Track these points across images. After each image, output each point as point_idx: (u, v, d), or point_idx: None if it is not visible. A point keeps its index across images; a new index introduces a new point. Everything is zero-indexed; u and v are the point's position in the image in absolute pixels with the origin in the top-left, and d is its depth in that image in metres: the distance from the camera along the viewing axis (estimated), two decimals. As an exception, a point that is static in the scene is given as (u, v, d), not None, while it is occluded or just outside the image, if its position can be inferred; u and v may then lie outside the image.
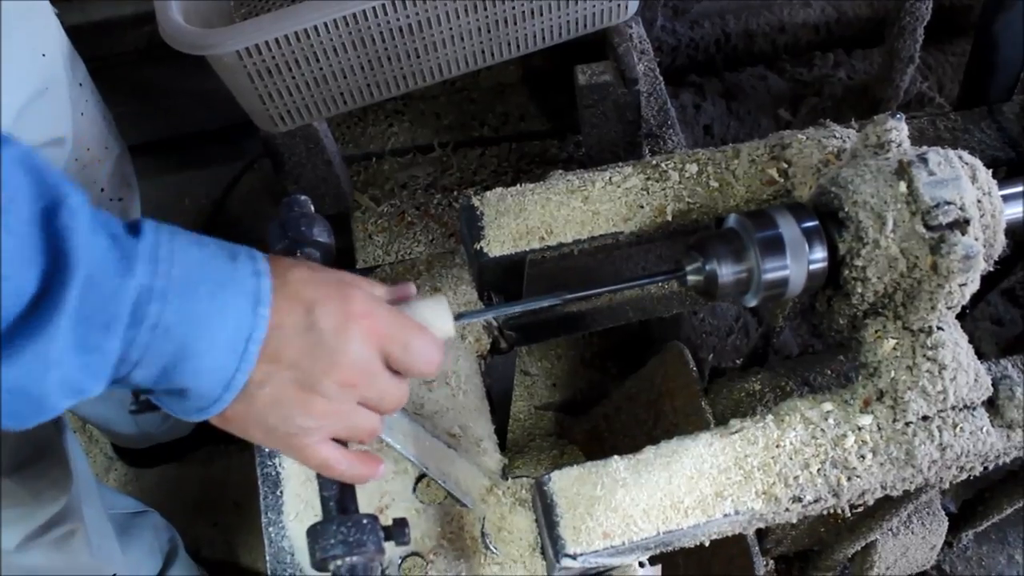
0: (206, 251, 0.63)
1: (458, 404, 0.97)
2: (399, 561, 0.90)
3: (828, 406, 0.85)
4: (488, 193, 0.99)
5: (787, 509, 0.83)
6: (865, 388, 0.85)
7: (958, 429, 0.83)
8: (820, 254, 0.82)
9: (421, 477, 0.94)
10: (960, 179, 0.79)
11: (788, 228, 0.82)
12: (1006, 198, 0.85)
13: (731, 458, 0.83)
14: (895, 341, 0.84)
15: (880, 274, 0.81)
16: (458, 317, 0.83)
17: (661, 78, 1.59)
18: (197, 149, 1.77)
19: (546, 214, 0.96)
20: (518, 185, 0.99)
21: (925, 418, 0.83)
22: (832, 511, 0.87)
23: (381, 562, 0.77)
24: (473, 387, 0.98)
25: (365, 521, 0.75)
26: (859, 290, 0.82)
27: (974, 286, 0.79)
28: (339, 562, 0.74)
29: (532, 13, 1.23)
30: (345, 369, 0.67)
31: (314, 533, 0.74)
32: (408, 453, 0.93)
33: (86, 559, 1.23)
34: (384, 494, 0.93)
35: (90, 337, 0.56)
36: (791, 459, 0.83)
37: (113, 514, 1.39)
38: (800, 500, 0.83)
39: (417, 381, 0.98)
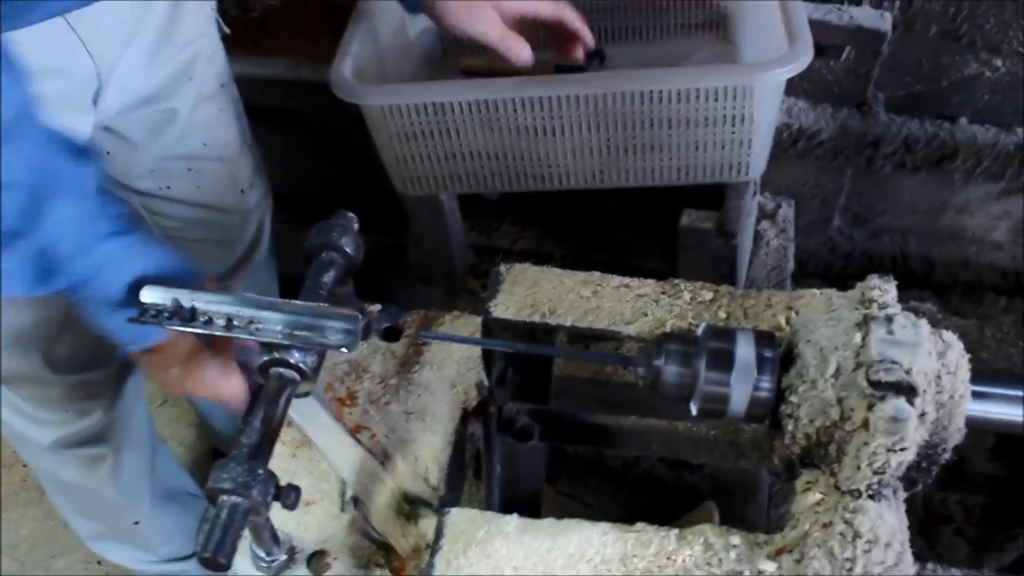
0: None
1: (424, 440, 1.02)
2: (309, 553, 0.95)
3: (736, 540, 0.83)
4: (517, 265, 1.07)
5: (658, 626, 0.81)
6: (783, 538, 0.83)
7: (863, 612, 0.78)
8: (768, 384, 0.82)
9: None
10: (919, 347, 0.77)
11: (744, 349, 0.82)
12: (984, 395, 0.82)
13: (618, 553, 0.83)
14: (821, 496, 0.81)
15: (812, 416, 0.79)
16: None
17: (792, 262, 1.61)
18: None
19: (555, 295, 1.02)
20: (547, 266, 1.06)
21: (830, 586, 0.79)
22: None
23: (263, 515, 0.84)
24: (444, 431, 1.03)
25: (261, 472, 0.82)
26: (790, 428, 0.81)
27: (903, 456, 0.76)
28: (224, 498, 0.81)
29: (650, 148, 1.32)
30: None
31: (216, 465, 0.82)
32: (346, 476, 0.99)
33: (108, 491, 1.37)
34: (319, 491, 0.99)
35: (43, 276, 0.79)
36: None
37: (166, 483, 1.53)
38: (673, 621, 0.80)
39: (401, 410, 1.04)
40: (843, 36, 1.53)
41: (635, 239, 1.59)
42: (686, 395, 0.84)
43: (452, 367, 1.08)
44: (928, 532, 1.69)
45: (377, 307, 1.14)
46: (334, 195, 1.32)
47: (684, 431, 1.12)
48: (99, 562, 1.82)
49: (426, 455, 1.00)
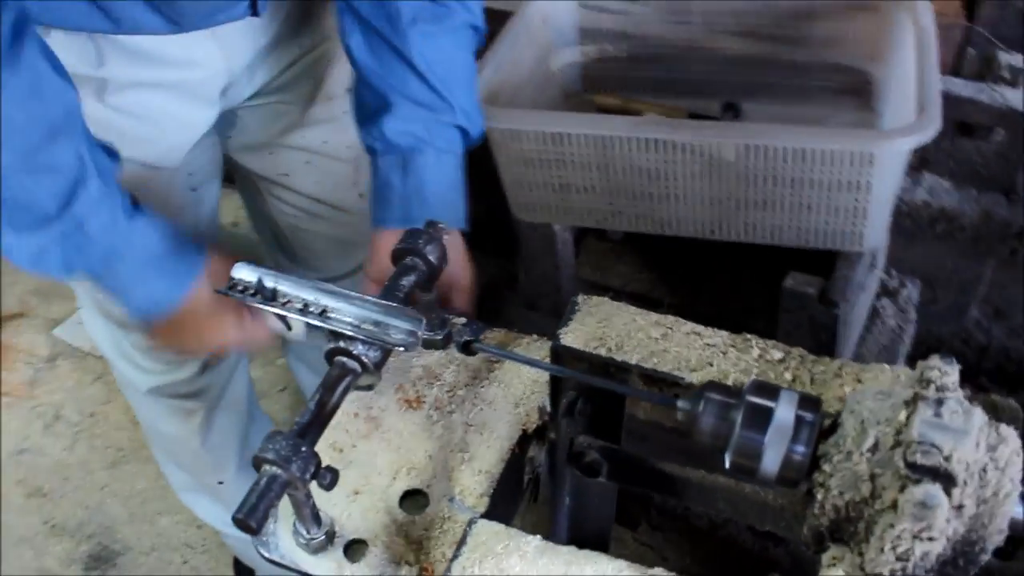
0: (170, 244, 0.99)
1: (478, 452, 1.04)
2: (348, 540, 0.99)
3: (751, 602, 0.81)
4: (594, 297, 1.08)
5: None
6: (801, 610, 0.81)
7: None
8: (803, 447, 0.80)
9: (412, 493, 1.03)
10: (966, 437, 0.74)
11: (784, 408, 0.81)
12: (1038, 499, 0.77)
13: (631, 592, 0.83)
14: (844, 574, 0.79)
15: (843, 488, 0.77)
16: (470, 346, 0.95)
17: (909, 345, 1.55)
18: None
19: (624, 332, 1.02)
20: (622, 302, 1.07)
21: (839, 667, 0.76)
22: None
23: (302, 491, 0.88)
24: (499, 447, 1.05)
25: (304, 449, 0.86)
26: (819, 497, 0.79)
27: (930, 546, 0.73)
28: (266, 467, 0.86)
29: (763, 205, 1.30)
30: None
31: (266, 437, 0.87)
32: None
33: (196, 445, 1.47)
34: (370, 484, 1.02)
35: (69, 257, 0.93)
36: (684, 625, 0.81)
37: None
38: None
39: (462, 420, 1.07)
40: (993, 117, 1.47)
41: (746, 297, 1.56)
42: (721, 446, 0.84)
43: (519, 387, 1.10)
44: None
45: (462, 320, 1.19)
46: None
47: (751, 494, 1.10)
48: (199, 526, 1.93)
49: (477, 467, 1.03)
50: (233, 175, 1.45)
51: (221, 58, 1.15)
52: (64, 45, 1.03)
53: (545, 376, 1.10)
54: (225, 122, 1.28)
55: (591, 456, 1.15)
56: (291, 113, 1.30)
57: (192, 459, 1.54)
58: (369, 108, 1.15)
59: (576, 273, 1.66)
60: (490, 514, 1.01)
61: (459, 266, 1.17)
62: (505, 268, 1.87)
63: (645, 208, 1.39)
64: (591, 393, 1.12)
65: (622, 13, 1.66)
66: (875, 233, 1.30)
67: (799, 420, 0.81)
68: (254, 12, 1.10)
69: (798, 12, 1.52)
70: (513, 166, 1.41)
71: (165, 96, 1.11)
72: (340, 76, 1.30)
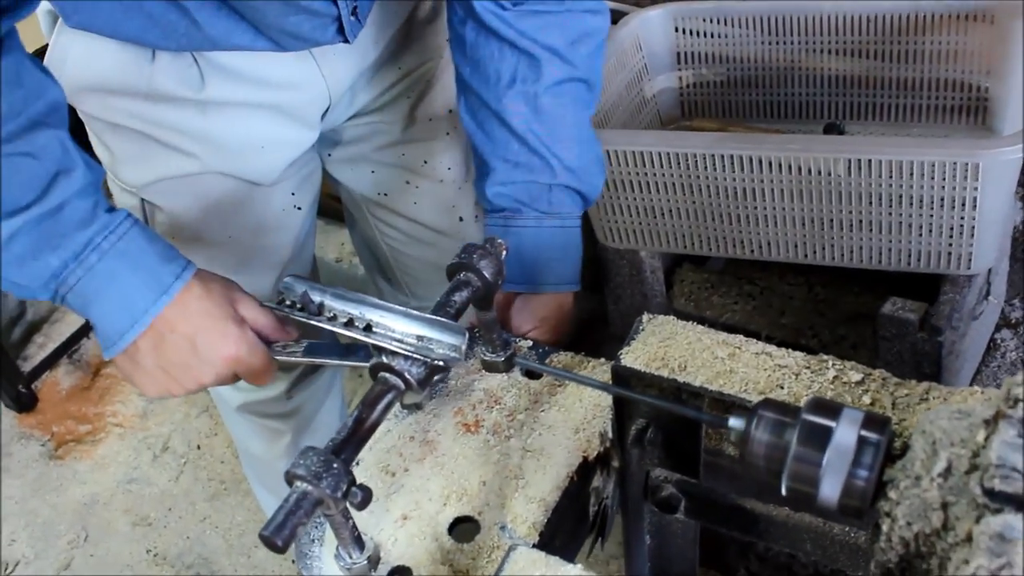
0: (153, 246, 0.92)
1: (534, 480, 0.99)
2: (392, 566, 0.95)
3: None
4: (660, 316, 1.01)
5: None
6: (868, 659, 0.71)
7: None
8: (866, 472, 0.71)
9: (463, 520, 0.98)
10: (1054, 461, 0.64)
11: (846, 429, 0.73)
12: None
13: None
14: (917, 618, 0.69)
15: (911, 518, 0.68)
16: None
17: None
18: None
19: (688, 352, 0.96)
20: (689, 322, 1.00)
21: None
22: None
23: (335, 510, 0.85)
24: (556, 475, 0.99)
25: (336, 466, 0.83)
26: (885, 528, 0.70)
27: (1012, 589, 0.63)
28: (297, 483, 0.83)
29: (857, 225, 1.21)
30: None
31: (300, 452, 0.85)
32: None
33: (280, 469, 1.46)
34: (419, 509, 0.98)
35: (41, 248, 0.87)
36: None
37: None
38: None
39: (520, 446, 1.02)
40: None
41: (848, 328, 1.46)
42: (776, 470, 0.75)
43: (579, 412, 1.04)
44: None
45: (528, 343, 1.15)
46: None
47: (839, 535, 1.01)
48: (293, 560, 1.93)
49: (531, 494, 0.97)
50: (339, 199, 1.46)
51: (322, 81, 1.15)
52: (168, 69, 1.07)
53: (608, 401, 1.04)
54: (324, 140, 1.29)
55: (667, 491, 1.08)
56: (391, 132, 1.29)
57: (277, 482, 1.54)
58: (478, 168, 1.16)
59: (668, 303, 1.58)
60: (545, 545, 0.95)
61: (560, 312, 1.17)
62: (600, 302, 1.82)
63: (732, 231, 1.32)
64: (662, 420, 1.06)
65: (719, 36, 1.60)
66: (985, 254, 1.18)
67: (862, 441, 0.72)
68: (344, 39, 1.08)
69: (904, 26, 1.42)
70: (595, 189, 1.37)
71: (266, 117, 1.11)
72: (441, 97, 1.28)
